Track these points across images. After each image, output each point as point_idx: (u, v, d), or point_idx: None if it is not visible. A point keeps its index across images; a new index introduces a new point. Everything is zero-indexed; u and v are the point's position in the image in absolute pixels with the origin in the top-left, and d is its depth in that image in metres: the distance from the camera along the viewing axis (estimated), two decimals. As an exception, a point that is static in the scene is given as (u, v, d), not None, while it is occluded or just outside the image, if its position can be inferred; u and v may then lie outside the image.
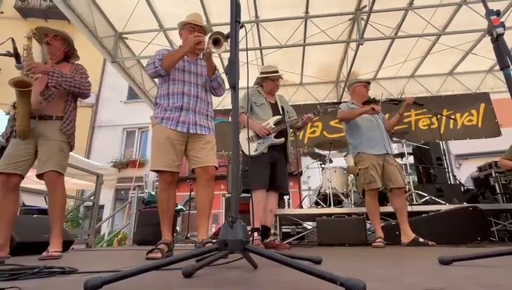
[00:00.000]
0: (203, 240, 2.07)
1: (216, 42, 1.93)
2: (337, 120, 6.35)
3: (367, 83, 3.43)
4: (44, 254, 2.05)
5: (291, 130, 3.28)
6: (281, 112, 3.14)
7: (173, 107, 2.13)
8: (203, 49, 2.09)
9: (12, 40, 1.99)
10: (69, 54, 2.42)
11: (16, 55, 2.01)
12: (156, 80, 2.33)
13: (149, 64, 2.17)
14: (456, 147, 11.48)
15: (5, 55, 1.98)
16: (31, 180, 2.79)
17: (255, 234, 2.72)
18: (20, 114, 2.04)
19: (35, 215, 4.15)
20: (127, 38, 5.10)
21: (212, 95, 2.38)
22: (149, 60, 2.19)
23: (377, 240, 2.94)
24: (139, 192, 7.18)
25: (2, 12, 14.54)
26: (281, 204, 4.39)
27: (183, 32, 2.30)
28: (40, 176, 2.14)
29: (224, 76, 2.08)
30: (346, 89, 6.26)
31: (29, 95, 2.06)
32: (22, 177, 2.11)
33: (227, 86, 2.55)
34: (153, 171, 2.13)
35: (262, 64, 5.67)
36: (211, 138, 2.22)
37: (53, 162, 2.12)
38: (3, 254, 1.99)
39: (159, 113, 2.15)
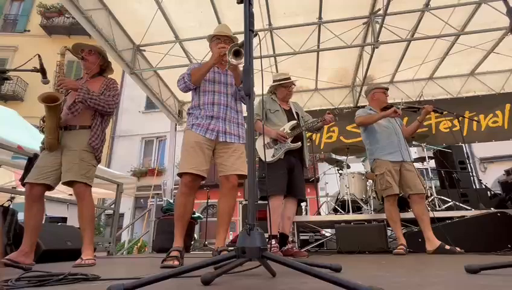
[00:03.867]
0: (218, 247, 2.09)
1: (237, 54, 1.93)
2: (354, 125, 6.30)
3: (386, 89, 3.38)
4: (78, 261, 2.11)
5: (307, 135, 3.26)
6: (296, 117, 3.13)
7: (204, 116, 2.18)
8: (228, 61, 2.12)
9: (39, 56, 2.09)
10: (104, 67, 2.54)
11: (42, 70, 2.10)
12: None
13: (179, 80, 2.23)
14: (481, 149, 11.03)
15: (32, 70, 2.07)
16: (56, 189, 2.90)
17: (273, 241, 2.70)
18: (48, 127, 2.14)
19: (59, 224, 4.30)
20: (144, 51, 5.27)
21: (243, 104, 2.41)
22: (180, 76, 2.25)
23: (398, 247, 2.86)
24: (158, 200, 7.29)
25: (29, 31, 15.41)
26: (298, 211, 4.34)
27: (212, 45, 2.36)
28: (66, 184, 2.22)
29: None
30: (363, 94, 6.18)
31: (57, 109, 2.15)
32: (48, 186, 2.18)
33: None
34: (179, 174, 2.09)
35: (277, 71, 5.69)
36: (239, 146, 2.23)
37: (73, 172, 2.17)
38: (29, 261, 2.05)
39: (191, 121, 2.21)
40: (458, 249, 2.65)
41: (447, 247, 2.70)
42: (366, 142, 3.33)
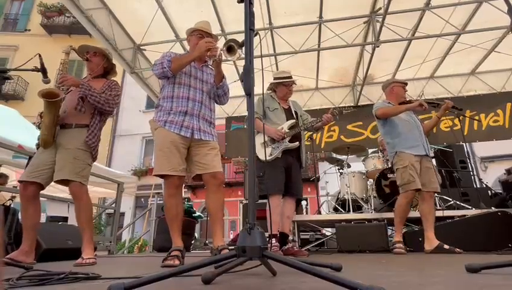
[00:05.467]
0: (219, 246, 2.07)
1: (230, 50, 1.94)
2: (354, 124, 6.31)
3: (405, 84, 3.31)
4: (79, 260, 2.11)
5: (307, 135, 3.25)
6: (295, 116, 3.13)
7: (177, 111, 2.11)
8: (214, 56, 2.09)
9: (40, 55, 2.09)
10: (108, 69, 2.54)
11: (42, 70, 2.10)
12: (161, 81, 2.32)
13: (157, 64, 2.14)
14: (481, 149, 11.02)
15: (32, 70, 2.07)
16: (56, 189, 2.90)
17: (273, 240, 2.70)
18: (45, 124, 2.13)
19: (60, 223, 4.31)
20: (145, 50, 5.27)
21: (216, 103, 2.38)
22: (157, 60, 2.16)
23: (397, 246, 2.84)
24: (158, 199, 7.31)
25: (30, 30, 15.42)
26: (298, 210, 4.34)
27: (192, 39, 2.31)
28: (60, 183, 2.19)
29: (239, 83, 2.12)
30: (364, 94, 6.17)
31: (56, 106, 2.14)
32: (41, 185, 2.15)
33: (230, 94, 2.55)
34: (157, 175, 2.07)
35: (277, 70, 5.69)
36: (214, 144, 2.20)
37: (66, 170, 2.14)
38: (29, 260, 2.05)
39: (162, 116, 2.12)
40: (457, 249, 2.63)
41: (446, 246, 2.68)
42: (386, 136, 3.19)
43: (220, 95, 2.33)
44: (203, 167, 2.11)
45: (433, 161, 5.31)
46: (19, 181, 2.16)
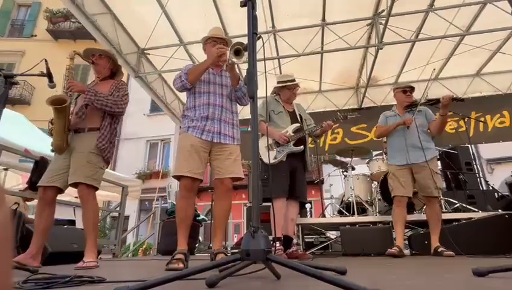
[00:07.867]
0: (214, 250, 2.11)
1: (237, 53, 1.99)
2: (358, 126, 6.29)
3: (407, 88, 3.28)
4: (80, 264, 2.11)
5: (310, 138, 3.25)
6: (299, 120, 3.13)
7: (199, 118, 2.17)
8: (225, 61, 2.15)
9: (46, 61, 2.12)
10: (115, 70, 2.58)
11: (48, 75, 2.12)
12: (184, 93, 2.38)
13: (176, 79, 2.24)
14: (487, 150, 10.89)
15: (39, 75, 2.09)
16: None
17: (277, 243, 2.69)
18: (56, 130, 2.17)
19: (65, 227, 4.33)
20: (149, 54, 5.31)
21: (238, 105, 2.41)
22: (176, 75, 2.25)
23: (392, 248, 2.81)
24: (163, 202, 7.33)
25: (36, 36, 15.63)
26: (303, 213, 4.32)
27: (207, 47, 2.37)
28: (73, 187, 2.22)
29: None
30: (367, 96, 6.16)
31: (65, 111, 2.18)
32: (59, 189, 2.20)
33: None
34: (175, 177, 2.11)
35: (280, 73, 5.70)
36: (234, 148, 2.23)
37: (79, 173, 2.17)
38: (36, 263, 2.07)
39: (186, 123, 2.20)
40: (446, 252, 2.67)
41: (439, 250, 2.74)
42: None
43: (239, 97, 2.36)
44: (219, 171, 2.16)
45: (438, 163, 5.30)
46: (38, 186, 2.19)
